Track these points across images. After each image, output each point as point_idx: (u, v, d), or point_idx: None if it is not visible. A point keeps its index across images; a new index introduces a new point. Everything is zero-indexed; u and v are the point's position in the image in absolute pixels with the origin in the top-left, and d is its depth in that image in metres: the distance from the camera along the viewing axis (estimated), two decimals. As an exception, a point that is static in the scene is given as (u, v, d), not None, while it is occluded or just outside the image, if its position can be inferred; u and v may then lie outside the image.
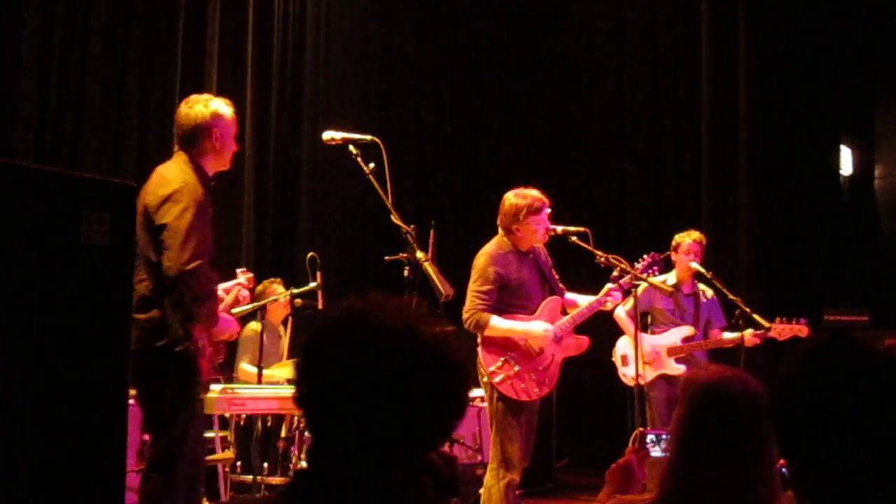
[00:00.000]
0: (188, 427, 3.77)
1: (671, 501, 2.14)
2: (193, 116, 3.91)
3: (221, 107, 3.99)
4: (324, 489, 1.49)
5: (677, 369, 6.08)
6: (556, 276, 5.27)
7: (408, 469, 1.51)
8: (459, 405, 1.54)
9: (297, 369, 1.54)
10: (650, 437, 2.56)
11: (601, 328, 5.76)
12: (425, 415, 1.49)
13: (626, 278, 5.19)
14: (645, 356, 6.06)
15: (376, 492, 1.48)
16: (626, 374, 6.14)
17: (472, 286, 5.00)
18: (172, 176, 3.80)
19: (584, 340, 5.21)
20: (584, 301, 5.20)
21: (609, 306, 5.26)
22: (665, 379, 6.12)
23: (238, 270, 4.50)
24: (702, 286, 6.39)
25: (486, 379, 4.97)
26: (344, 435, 1.48)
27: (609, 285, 5.19)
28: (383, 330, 1.49)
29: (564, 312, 5.17)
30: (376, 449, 1.47)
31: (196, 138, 3.90)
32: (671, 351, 6.12)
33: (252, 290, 4.53)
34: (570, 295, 5.28)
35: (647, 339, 6.16)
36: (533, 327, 4.97)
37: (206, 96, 4.04)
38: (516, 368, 4.91)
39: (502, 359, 4.91)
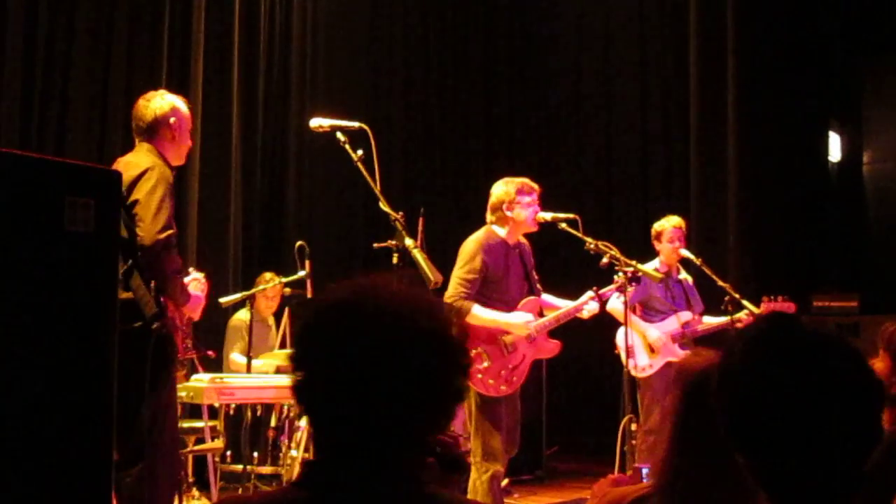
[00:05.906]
0: (165, 409, 3.77)
1: (668, 491, 2.11)
2: (153, 109, 4.05)
3: (178, 101, 4.16)
4: (334, 479, 1.48)
5: (684, 355, 6.06)
6: (536, 277, 5.21)
7: (415, 454, 1.50)
8: (461, 388, 1.54)
9: (295, 356, 1.52)
10: (645, 471, 2.53)
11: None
12: (429, 400, 1.48)
13: (611, 288, 5.16)
14: (654, 342, 6.06)
15: (386, 481, 1.47)
16: (638, 364, 6.06)
17: (458, 272, 4.90)
18: (140, 160, 3.91)
19: (557, 345, 5.17)
20: (560, 304, 5.19)
21: (586, 315, 5.20)
22: (670, 367, 6.09)
23: (189, 269, 4.43)
24: (683, 273, 6.38)
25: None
26: (347, 424, 1.47)
27: (588, 293, 5.16)
28: (384, 316, 1.46)
29: (541, 314, 5.14)
30: (381, 438, 1.46)
31: (156, 129, 4.04)
32: (675, 337, 6.10)
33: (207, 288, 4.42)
34: (546, 297, 5.24)
35: (652, 327, 6.14)
36: (515, 319, 4.92)
37: (161, 91, 4.21)
38: (486, 364, 4.84)
39: (474, 351, 4.80)
